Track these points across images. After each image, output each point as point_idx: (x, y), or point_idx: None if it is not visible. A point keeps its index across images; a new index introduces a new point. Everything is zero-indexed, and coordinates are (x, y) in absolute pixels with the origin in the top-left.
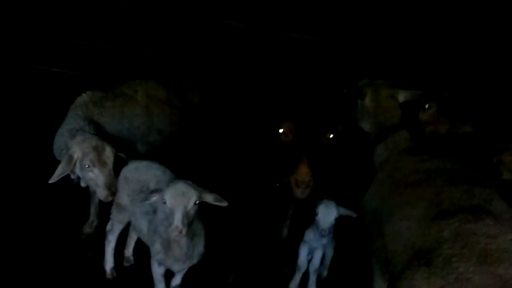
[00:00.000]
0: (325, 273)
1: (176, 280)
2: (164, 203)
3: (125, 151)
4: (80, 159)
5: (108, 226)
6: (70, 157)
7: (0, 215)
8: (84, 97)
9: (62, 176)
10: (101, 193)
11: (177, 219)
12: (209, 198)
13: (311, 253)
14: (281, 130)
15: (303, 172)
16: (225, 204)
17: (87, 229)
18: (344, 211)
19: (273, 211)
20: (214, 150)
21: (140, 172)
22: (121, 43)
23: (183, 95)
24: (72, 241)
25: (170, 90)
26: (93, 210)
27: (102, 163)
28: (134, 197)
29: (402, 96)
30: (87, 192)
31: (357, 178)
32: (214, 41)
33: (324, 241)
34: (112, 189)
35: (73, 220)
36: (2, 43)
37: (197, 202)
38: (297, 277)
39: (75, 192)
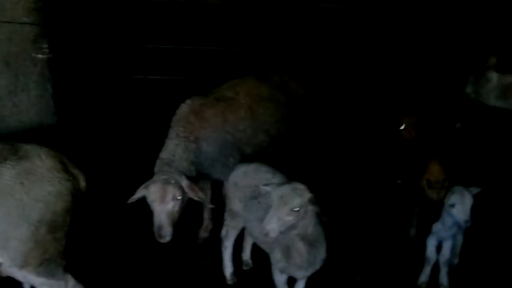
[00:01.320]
0: (456, 261)
1: (300, 285)
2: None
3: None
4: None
5: (223, 232)
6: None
7: (122, 224)
8: (184, 108)
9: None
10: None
11: (267, 219)
12: (310, 208)
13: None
14: (402, 127)
15: (436, 172)
16: (325, 219)
17: (203, 233)
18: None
19: (397, 211)
20: (326, 147)
21: (249, 177)
22: (213, 41)
23: (286, 89)
24: (189, 247)
25: (272, 86)
26: (206, 214)
27: (158, 205)
28: (246, 203)
29: None
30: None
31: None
32: (311, 27)
33: (454, 230)
34: (162, 233)
35: (188, 225)
36: (98, 55)
37: (296, 210)
38: (427, 269)
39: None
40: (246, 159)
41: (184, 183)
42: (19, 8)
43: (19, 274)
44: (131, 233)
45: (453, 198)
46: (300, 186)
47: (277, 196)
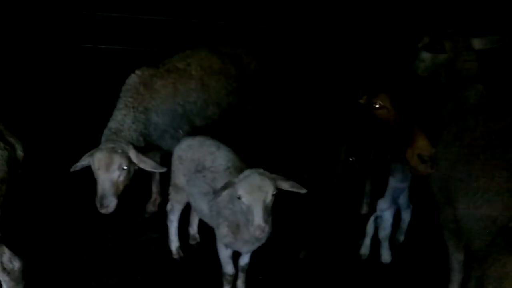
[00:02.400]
0: (401, 238)
1: (245, 260)
2: (239, 198)
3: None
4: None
5: (168, 206)
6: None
7: (64, 195)
8: (134, 78)
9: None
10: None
11: (258, 218)
12: (286, 185)
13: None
14: (377, 105)
15: (425, 145)
16: (304, 191)
17: (151, 207)
18: None
19: (348, 188)
20: (278, 122)
21: (194, 150)
22: (165, 12)
23: (238, 63)
24: (137, 221)
25: (225, 59)
26: (154, 188)
27: (103, 173)
28: (190, 177)
29: (477, 44)
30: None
31: None
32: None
33: (394, 207)
34: (105, 203)
35: (136, 199)
36: (45, 24)
37: (275, 193)
38: (366, 242)
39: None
40: (196, 131)
41: (132, 152)
42: None
43: None
44: (74, 205)
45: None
46: (261, 171)
47: (253, 190)
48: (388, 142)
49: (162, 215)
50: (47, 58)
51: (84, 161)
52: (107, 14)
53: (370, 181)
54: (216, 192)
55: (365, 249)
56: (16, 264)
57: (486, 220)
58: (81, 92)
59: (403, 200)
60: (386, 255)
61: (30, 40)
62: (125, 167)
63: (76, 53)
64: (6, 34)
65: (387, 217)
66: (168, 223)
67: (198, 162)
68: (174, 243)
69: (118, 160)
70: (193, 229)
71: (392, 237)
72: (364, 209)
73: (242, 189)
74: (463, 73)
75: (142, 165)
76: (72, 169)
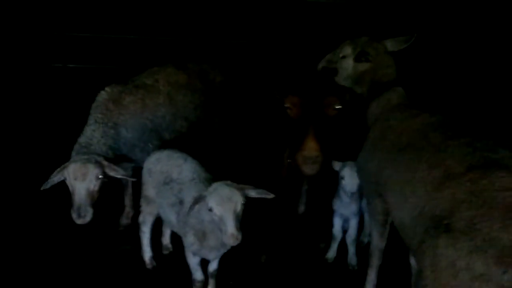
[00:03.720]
0: (366, 240)
1: (213, 266)
2: (210, 210)
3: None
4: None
5: (140, 218)
6: (62, 170)
7: (36, 210)
8: (104, 95)
9: (53, 184)
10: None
11: (231, 227)
12: (253, 193)
13: (345, 223)
14: (286, 105)
15: (310, 148)
16: (271, 196)
17: (124, 220)
18: None
19: (287, 188)
20: (237, 132)
21: (162, 163)
22: (132, 31)
23: (204, 77)
24: (108, 234)
25: (191, 74)
26: (127, 201)
27: (79, 183)
28: (159, 189)
29: (390, 47)
30: (121, 185)
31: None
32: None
33: (354, 208)
34: (82, 213)
35: (109, 213)
36: (17, 44)
37: (243, 202)
38: (334, 246)
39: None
40: (165, 144)
41: (104, 163)
42: None
43: None
44: (47, 220)
45: (343, 172)
46: (229, 182)
47: (223, 201)
48: (290, 141)
49: (135, 227)
50: (18, 77)
51: (55, 177)
52: (76, 34)
53: (307, 181)
54: (190, 207)
55: (332, 253)
56: None
57: (415, 210)
58: (51, 110)
59: (364, 203)
60: (353, 260)
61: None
62: (100, 177)
63: (46, 72)
64: None
65: (353, 221)
66: (141, 234)
67: (167, 175)
68: (147, 253)
69: (93, 170)
70: (166, 239)
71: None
72: (301, 209)
73: (213, 201)
74: (385, 78)
75: (113, 174)
76: (43, 187)
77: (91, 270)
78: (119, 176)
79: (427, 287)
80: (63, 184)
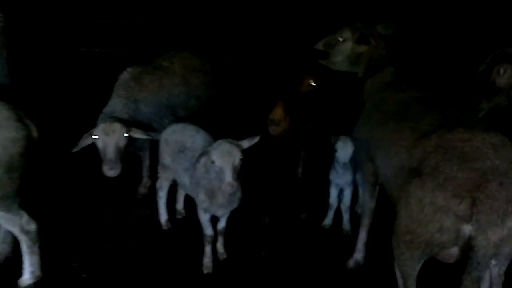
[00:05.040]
0: (359, 211)
1: (221, 224)
2: (213, 162)
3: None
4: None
5: (158, 184)
6: (90, 133)
7: (69, 178)
8: (126, 74)
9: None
10: (103, 168)
11: (228, 176)
12: (246, 144)
13: (341, 192)
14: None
15: (274, 112)
16: (257, 138)
17: (142, 189)
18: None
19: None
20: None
21: (177, 134)
22: (152, 19)
23: (215, 61)
24: (130, 201)
25: (204, 58)
26: (145, 173)
27: (108, 139)
28: (174, 157)
29: (382, 31)
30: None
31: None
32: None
33: (348, 178)
34: (113, 165)
35: (129, 183)
36: (44, 30)
37: (241, 157)
38: (330, 214)
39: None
40: (179, 120)
41: (129, 125)
42: None
43: None
44: (78, 185)
45: (337, 144)
46: (230, 140)
47: (223, 154)
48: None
49: (151, 196)
50: (48, 60)
51: (85, 140)
52: (100, 21)
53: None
54: (196, 159)
55: (328, 220)
56: (33, 226)
57: (397, 166)
58: (77, 90)
59: (358, 175)
60: (346, 226)
61: (35, 44)
62: (126, 135)
63: (73, 56)
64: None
65: (347, 191)
66: (158, 199)
67: (181, 144)
68: (163, 216)
69: (121, 127)
70: (179, 205)
71: (352, 209)
72: (299, 172)
73: (215, 155)
74: (379, 58)
75: (136, 135)
76: (74, 150)
77: (114, 230)
78: (144, 137)
79: (400, 222)
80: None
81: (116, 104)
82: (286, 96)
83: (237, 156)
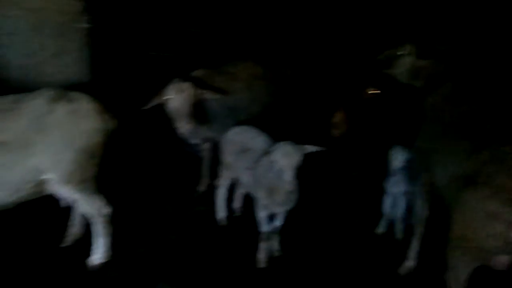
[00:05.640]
0: (413, 222)
1: (278, 222)
2: (275, 162)
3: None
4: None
5: (218, 182)
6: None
7: (136, 177)
8: (198, 72)
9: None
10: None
11: (289, 176)
12: (309, 149)
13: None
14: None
15: (337, 116)
16: (323, 149)
17: (201, 187)
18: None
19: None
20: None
21: (240, 135)
22: (219, 27)
23: (277, 70)
24: (189, 198)
25: (266, 67)
26: (205, 171)
27: (180, 97)
28: (236, 156)
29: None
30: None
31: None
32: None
33: (403, 187)
34: (186, 120)
35: (189, 181)
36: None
37: (301, 158)
38: (383, 223)
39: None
40: (241, 124)
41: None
42: None
43: (62, 190)
44: (146, 177)
45: (393, 153)
46: (291, 142)
47: (284, 155)
48: None
49: (210, 193)
50: (123, 61)
51: (156, 99)
52: (173, 27)
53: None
54: (259, 158)
55: (381, 228)
56: (108, 210)
57: (453, 176)
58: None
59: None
60: (399, 234)
61: (117, 43)
62: (195, 94)
63: (144, 59)
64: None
65: (401, 200)
66: (216, 197)
67: (243, 144)
68: (221, 213)
69: (189, 86)
70: (236, 204)
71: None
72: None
73: (277, 155)
74: (439, 73)
75: (205, 95)
76: (144, 107)
77: (176, 222)
78: (209, 97)
79: (455, 228)
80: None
81: None
82: (348, 102)
83: (297, 158)
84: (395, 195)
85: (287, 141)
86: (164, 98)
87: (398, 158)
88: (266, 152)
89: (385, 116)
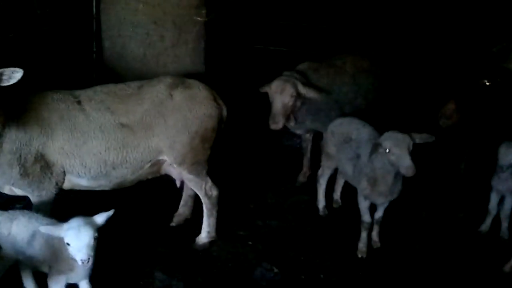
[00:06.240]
0: None
1: (379, 213)
2: (388, 151)
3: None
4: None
5: (319, 172)
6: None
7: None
8: (305, 64)
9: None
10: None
11: (408, 161)
12: (418, 138)
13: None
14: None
15: (447, 107)
16: (432, 139)
17: (301, 178)
18: None
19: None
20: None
21: (344, 126)
22: (328, 21)
23: (384, 65)
24: (290, 188)
25: (373, 61)
26: (305, 162)
27: (277, 96)
28: (339, 147)
29: None
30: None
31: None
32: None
33: (510, 185)
34: (276, 119)
35: (290, 172)
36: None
37: (412, 143)
38: (488, 220)
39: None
40: (345, 116)
41: (299, 85)
42: None
43: (176, 170)
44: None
45: (500, 148)
46: (398, 131)
47: (398, 143)
48: None
49: (310, 184)
50: (233, 54)
51: (262, 89)
52: (279, 22)
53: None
54: (371, 151)
55: (485, 226)
56: (215, 192)
57: None
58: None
59: None
60: (505, 234)
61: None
62: (294, 95)
63: (250, 52)
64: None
65: (508, 198)
66: (318, 186)
67: (347, 135)
68: (321, 203)
69: (289, 88)
70: (337, 194)
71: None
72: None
73: (389, 144)
74: None
75: (308, 95)
76: (261, 89)
77: (275, 211)
78: (312, 97)
79: None
80: None
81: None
82: (459, 93)
83: (410, 142)
84: (502, 192)
85: (394, 130)
86: (266, 91)
87: (506, 155)
88: (377, 143)
89: (498, 109)
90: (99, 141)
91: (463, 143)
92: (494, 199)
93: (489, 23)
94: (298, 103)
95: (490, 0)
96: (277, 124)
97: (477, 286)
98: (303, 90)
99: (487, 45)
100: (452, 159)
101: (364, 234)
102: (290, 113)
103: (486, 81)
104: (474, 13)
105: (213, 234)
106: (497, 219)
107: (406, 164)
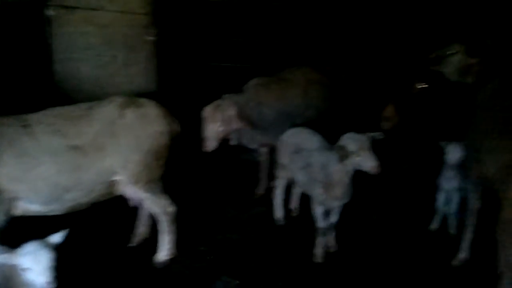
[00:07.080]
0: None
1: (334, 218)
2: (353, 153)
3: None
4: None
5: (275, 183)
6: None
7: (198, 179)
8: (255, 80)
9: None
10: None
11: (372, 161)
12: (373, 136)
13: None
14: None
15: (387, 110)
16: (383, 136)
17: (260, 190)
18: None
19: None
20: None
21: (294, 137)
22: (275, 37)
23: (332, 75)
24: (248, 200)
25: (322, 72)
26: (262, 175)
27: (209, 121)
28: (291, 157)
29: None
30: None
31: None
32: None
33: (456, 183)
34: (207, 143)
35: (248, 185)
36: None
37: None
38: (437, 219)
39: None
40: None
41: (232, 111)
42: (137, 1)
43: (131, 190)
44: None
45: (447, 148)
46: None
47: (360, 143)
48: None
49: (268, 196)
50: (186, 71)
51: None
52: (232, 38)
53: None
54: (341, 158)
55: (435, 224)
56: (173, 209)
57: (502, 166)
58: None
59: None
60: (452, 229)
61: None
62: (225, 120)
63: (205, 69)
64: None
65: (454, 196)
66: (274, 197)
67: (297, 145)
68: (279, 213)
69: (219, 115)
70: (294, 204)
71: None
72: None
73: (354, 146)
74: (489, 69)
75: (237, 124)
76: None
77: (235, 223)
78: (238, 125)
79: (503, 212)
80: None
81: (241, 97)
82: (397, 97)
83: (368, 143)
84: (449, 191)
85: (352, 133)
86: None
87: (454, 154)
88: (342, 147)
89: (434, 110)
90: (49, 165)
91: (404, 144)
92: (441, 198)
93: (426, 31)
94: (234, 125)
95: (428, 7)
96: (207, 147)
97: (430, 280)
98: (234, 118)
99: (425, 51)
100: (395, 160)
101: (320, 239)
102: (227, 134)
103: (420, 84)
104: (413, 21)
105: (173, 250)
106: (445, 217)
107: (372, 164)
